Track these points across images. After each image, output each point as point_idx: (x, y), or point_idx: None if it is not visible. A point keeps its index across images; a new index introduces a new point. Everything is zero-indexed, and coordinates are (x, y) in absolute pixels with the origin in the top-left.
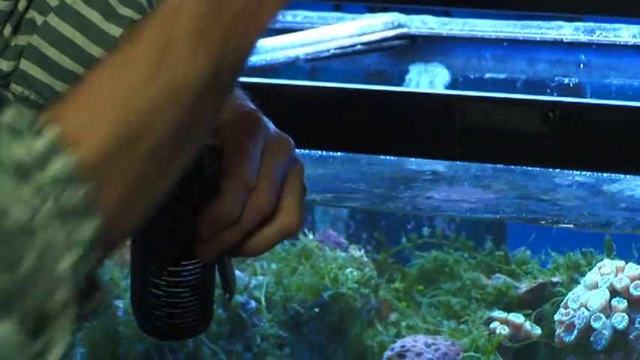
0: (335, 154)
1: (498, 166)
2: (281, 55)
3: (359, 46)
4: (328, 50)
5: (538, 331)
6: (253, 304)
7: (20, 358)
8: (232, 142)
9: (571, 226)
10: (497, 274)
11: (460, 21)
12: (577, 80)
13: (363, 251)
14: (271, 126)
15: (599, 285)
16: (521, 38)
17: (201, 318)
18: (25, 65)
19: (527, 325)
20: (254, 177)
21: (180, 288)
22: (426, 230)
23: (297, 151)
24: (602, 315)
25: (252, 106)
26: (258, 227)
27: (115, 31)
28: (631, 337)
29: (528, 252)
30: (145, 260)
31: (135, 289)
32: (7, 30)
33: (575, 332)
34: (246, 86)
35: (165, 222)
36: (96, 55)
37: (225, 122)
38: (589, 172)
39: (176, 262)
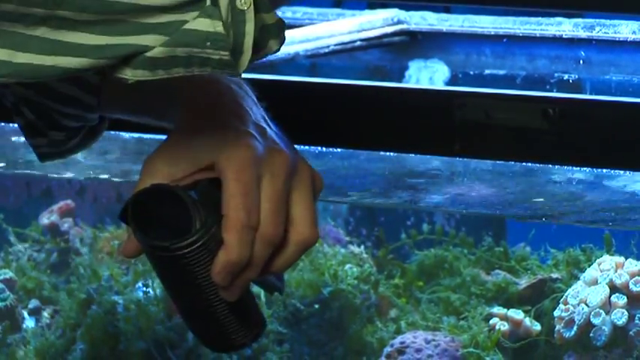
0: (334, 150)
1: (498, 162)
2: (281, 51)
3: (358, 43)
4: (328, 46)
5: (538, 327)
6: None
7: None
8: (227, 177)
9: (571, 222)
10: (497, 270)
11: (460, 17)
12: (577, 76)
13: (362, 247)
14: (264, 141)
15: (598, 281)
16: (520, 34)
17: (247, 329)
18: None
19: (527, 321)
20: (255, 212)
21: (220, 315)
22: (425, 226)
23: (296, 147)
24: (601, 311)
25: (241, 121)
26: (276, 250)
27: None
28: (631, 333)
29: (528, 248)
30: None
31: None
32: None
33: (575, 328)
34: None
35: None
36: None
37: (218, 157)
38: (589, 168)
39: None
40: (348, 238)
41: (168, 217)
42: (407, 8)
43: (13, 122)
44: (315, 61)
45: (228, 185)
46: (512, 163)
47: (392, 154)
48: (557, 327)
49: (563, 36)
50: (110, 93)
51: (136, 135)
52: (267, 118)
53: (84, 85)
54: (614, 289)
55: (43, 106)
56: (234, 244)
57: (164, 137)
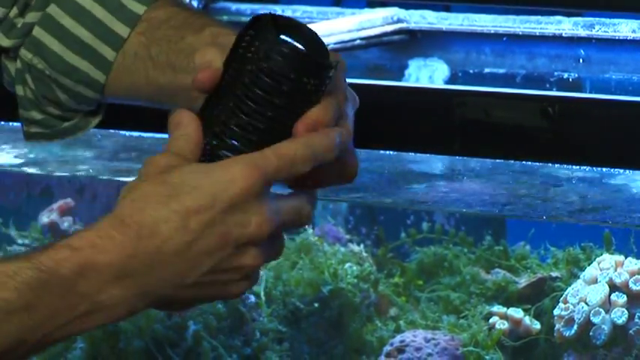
0: None
1: (497, 160)
2: None
3: (358, 41)
4: (327, 45)
5: (537, 325)
6: (252, 298)
7: None
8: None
9: (570, 221)
10: (497, 269)
11: (459, 16)
12: (576, 75)
13: (362, 246)
14: None
15: (598, 280)
16: (520, 33)
17: None
18: (39, 33)
19: (527, 319)
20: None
21: None
22: (425, 225)
23: None
24: (601, 310)
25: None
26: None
27: (137, 8)
28: (630, 331)
29: (528, 247)
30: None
31: None
32: (14, 12)
33: (575, 327)
34: None
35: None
36: (116, 30)
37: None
38: (588, 167)
39: None
40: (347, 237)
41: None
42: (407, 7)
43: (14, 121)
44: None
45: (338, 72)
46: (512, 161)
47: (392, 152)
48: (557, 326)
49: (563, 35)
50: (121, 69)
51: (135, 134)
52: None
53: (96, 60)
54: (613, 287)
55: (48, 77)
56: (331, 105)
57: (164, 135)
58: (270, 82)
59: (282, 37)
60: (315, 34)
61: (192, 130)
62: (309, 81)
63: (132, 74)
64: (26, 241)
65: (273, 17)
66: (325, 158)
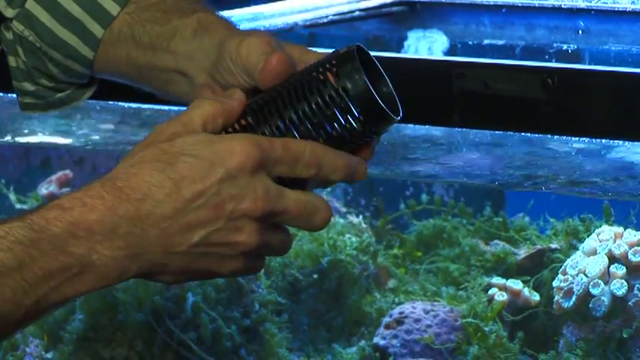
0: None
1: (497, 132)
2: (279, 22)
3: (357, 13)
4: (327, 16)
5: (537, 297)
6: None
7: None
8: None
9: (569, 192)
10: (496, 241)
11: None
12: (576, 46)
13: (361, 217)
14: None
15: (597, 251)
16: (519, 4)
17: None
18: (31, 5)
19: (526, 291)
20: None
21: None
22: (424, 197)
23: None
24: (600, 281)
25: None
26: None
27: None
28: (630, 303)
29: (527, 218)
30: None
31: None
32: None
33: (574, 298)
34: None
35: None
36: (106, 7)
37: None
38: (587, 138)
39: None
40: (346, 209)
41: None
42: None
43: (12, 92)
44: (313, 32)
45: None
46: (511, 133)
47: None
48: (556, 297)
49: (562, 6)
50: (106, 45)
51: (134, 105)
52: None
53: (85, 36)
54: (613, 259)
55: (39, 50)
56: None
57: (163, 107)
58: (333, 103)
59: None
60: (394, 93)
61: (209, 106)
62: (365, 125)
63: (114, 52)
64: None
65: (360, 49)
66: (329, 177)
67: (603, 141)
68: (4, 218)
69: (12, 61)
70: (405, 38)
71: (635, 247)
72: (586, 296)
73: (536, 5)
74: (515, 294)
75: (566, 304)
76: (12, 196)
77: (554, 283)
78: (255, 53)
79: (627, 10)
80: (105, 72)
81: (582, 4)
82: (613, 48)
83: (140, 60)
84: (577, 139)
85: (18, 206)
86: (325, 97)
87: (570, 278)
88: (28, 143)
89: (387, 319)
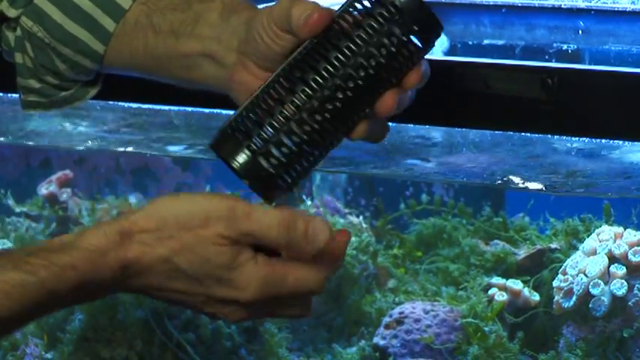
0: None
1: (497, 132)
2: None
3: None
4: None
5: (537, 297)
6: None
7: None
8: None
9: (569, 192)
10: (496, 241)
11: None
12: (576, 46)
13: (361, 217)
14: None
15: (597, 251)
16: (519, 4)
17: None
18: (40, 1)
19: (526, 291)
20: None
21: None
22: (424, 196)
23: None
24: (600, 281)
25: None
26: None
27: None
28: (630, 303)
29: (527, 218)
30: None
31: None
32: None
33: (574, 298)
34: None
35: None
36: (117, 1)
37: None
38: (587, 138)
39: None
40: (346, 209)
41: None
42: None
43: (12, 92)
44: None
45: None
46: (511, 133)
47: (391, 124)
48: (556, 297)
49: (562, 6)
50: (120, 37)
51: (134, 105)
52: None
53: (96, 30)
54: (613, 259)
55: (48, 46)
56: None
57: (163, 107)
58: (387, 20)
59: None
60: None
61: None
62: (419, 35)
63: (130, 42)
64: (24, 209)
65: None
66: (300, 253)
67: (603, 141)
68: (19, 257)
69: (18, 57)
70: None
71: (635, 247)
72: (586, 296)
73: (536, 5)
74: (515, 294)
75: (566, 304)
76: (10, 201)
77: (554, 283)
78: (299, 8)
79: (627, 10)
80: (116, 66)
81: (582, 4)
82: (613, 48)
83: (159, 48)
84: (577, 138)
85: (17, 210)
86: (378, 17)
87: (570, 278)
88: (28, 143)
89: (386, 319)
